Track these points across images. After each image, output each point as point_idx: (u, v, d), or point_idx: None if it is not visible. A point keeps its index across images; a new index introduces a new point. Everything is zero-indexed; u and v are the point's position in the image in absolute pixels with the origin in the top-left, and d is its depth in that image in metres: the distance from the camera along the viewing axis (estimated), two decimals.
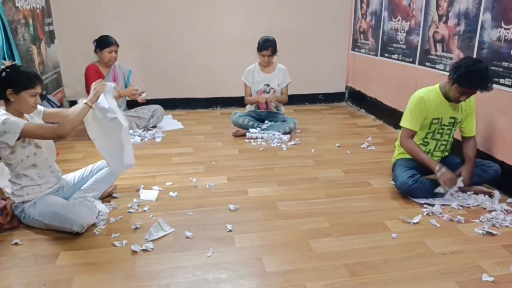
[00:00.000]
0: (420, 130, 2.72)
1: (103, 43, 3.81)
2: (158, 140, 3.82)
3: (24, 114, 2.27)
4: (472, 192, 2.64)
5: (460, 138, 2.84)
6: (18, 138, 2.11)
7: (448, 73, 2.57)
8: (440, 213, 2.44)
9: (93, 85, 2.39)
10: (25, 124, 2.10)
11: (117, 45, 3.87)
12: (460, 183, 2.54)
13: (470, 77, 2.43)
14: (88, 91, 3.89)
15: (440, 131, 2.73)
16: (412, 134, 2.70)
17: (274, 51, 3.84)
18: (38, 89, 2.17)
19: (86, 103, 2.31)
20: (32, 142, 2.21)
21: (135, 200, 2.60)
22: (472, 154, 2.68)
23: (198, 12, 4.73)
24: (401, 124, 2.73)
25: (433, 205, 2.52)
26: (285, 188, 2.82)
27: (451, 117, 2.69)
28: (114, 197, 2.65)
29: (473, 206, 2.53)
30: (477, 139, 2.87)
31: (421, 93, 2.68)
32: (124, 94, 3.93)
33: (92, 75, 3.84)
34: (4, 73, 2.11)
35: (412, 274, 1.91)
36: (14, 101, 2.14)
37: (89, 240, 2.17)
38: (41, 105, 2.37)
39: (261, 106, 4.03)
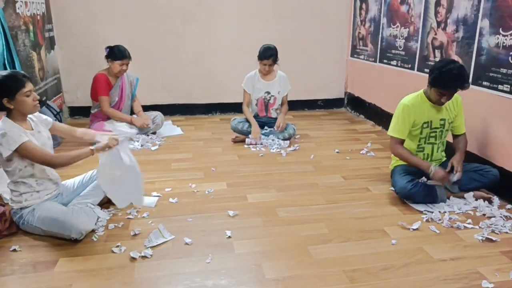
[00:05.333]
0: (413, 138, 2.77)
1: (117, 55, 3.80)
2: (155, 147, 3.81)
3: (28, 119, 2.27)
4: (472, 199, 2.64)
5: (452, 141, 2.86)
6: (15, 151, 2.11)
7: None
8: (440, 219, 2.44)
9: (109, 138, 2.33)
10: (23, 142, 2.10)
11: (130, 58, 3.86)
12: (453, 177, 2.58)
13: (443, 78, 2.48)
14: (95, 99, 3.90)
15: (433, 134, 2.75)
16: (401, 141, 2.73)
17: (275, 60, 3.84)
18: (29, 86, 2.16)
19: (91, 149, 2.28)
20: None
21: (134, 206, 2.60)
22: (462, 147, 2.76)
23: (198, 18, 4.74)
24: (389, 133, 2.78)
25: (432, 211, 2.52)
26: (284, 194, 2.82)
27: (441, 119, 2.72)
28: (113, 203, 2.64)
29: (472, 212, 2.53)
30: (476, 145, 2.90)
31: (406, 100, 2.72)
32: (136, 124, 3.93)
33: (102, 85, 3.84)
34: None
35: (411, 280, 1.90)
36: (14, 107, 2.15)
37: (88, 247, 2.16)
38: (43, 113, 2.38)
39: (260, 113, 4.04)
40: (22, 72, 2.25)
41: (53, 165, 2.22)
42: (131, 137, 2.47)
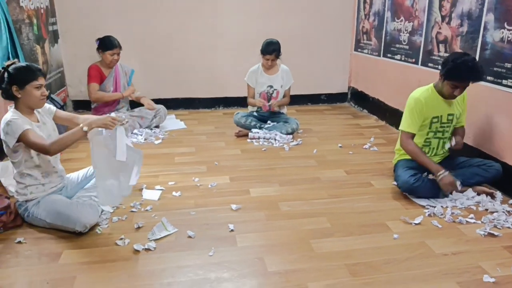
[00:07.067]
0: (420, 131, 2.74)
1: (106, 45, 3.83)
2: (159, 141, 3.82)
3: (35, 112, 2.29)
4: (475, 194, 2.64)
5: None
6: (18, 140, 2.13)
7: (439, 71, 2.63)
8: (442, 214, 2.44)
9: (106, 118, 2.27)
10: (25, 130, 2.11)
11: (120, 48, 3.89)
12: (459, 186, 2.55)
13: (458, 70, 2.47)
14: (89, 91, 3.92)
15: (441, 129, 2.74)
16: (412, 136, 2.71)
17: (277, 55, 3.84)
18: (41, 81, 2.20)
19: (81, 127, 2.21)
20: None
21: (137, 199, 2.62)
22: (461, 133, 2.80)
23: (201, 13, 4.74)
24: (401, 128, 2.73)
25: (435, 206, 2.52)
26: (287, 188, 2.83)
27: (449, 114, 2.71)
28: None
29: (474, 207, 2.54)
30: (479, 140, 2.90)
31: (417, 94, 2.69)
32: (127, 95, 3.99)
33: (93, 75, 3.87)
34: (6, 72, 2.14)
35: (413, 274, 1.91)
36: (22, 97, 2.17)
37: (92, 239, 2.18)
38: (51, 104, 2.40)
39: (263, 107, 4.03)
40: (39, 66, 2.29)
41: (49, 151, 2.16)
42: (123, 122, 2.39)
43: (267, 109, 4.01)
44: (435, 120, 2.70)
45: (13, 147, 2.17)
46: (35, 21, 3.78)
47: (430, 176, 2.72)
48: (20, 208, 2.30)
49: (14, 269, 1.94)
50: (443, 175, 2.53)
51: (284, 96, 4.05)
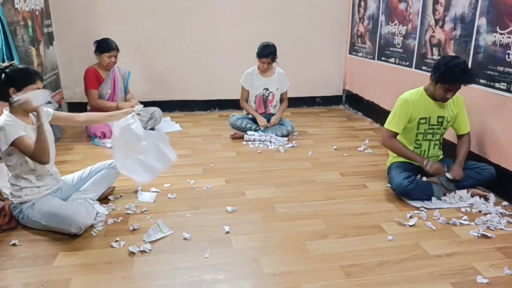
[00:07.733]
0: (409, 133, 2.78)
1: (103, 47, 3.82)
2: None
3: (30, 115, 2.28)
4: (469, 196, 2.66)
5: (454, 141, 2.88)
6: (12, 145, 2.13)
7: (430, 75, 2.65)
8: (436, 216, 2.46)
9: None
10: (18, 137, 2.11)
11: (118, 50, 3.88)
12: (445, 169, 2.68)
13: (451, 73, 2.50)
14: (86, 94, 3.92)
15: (430, 131, 2.77)
16: (395, 135, 2.76)
17: (274, 58, 3.85)
18: (38, 84, 2.21)
19: (38, 126, 2.14)
20: None
21: (133, 201, 2.61)
22: (463, 151, 2.77)
23: (197, 15, 4.75)
24: (385, 126, 2.80)
25: (429, 208, 2.54)
26: (282, 190, 2.84)
27: (439, 116, 2.74)
28: (113, 199, 2.66)
29: (468, 208, 2.56)
30: (472, 142, 2.90)
31: (405, 96, 2.74)
32: (122, 107, 3.86)
33: (90, 78, 3.86)
34: (3, 74, 2.13)
35: (407, 275, 1.93)
36: None
37: (87, 241, 2.18)
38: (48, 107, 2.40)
39: (258, 110, 4.05)
40: (36, 70, 2.29)
41: (40, 162, 2.16)
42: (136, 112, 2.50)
43: (263, 111, 4.02)
44: (422, 121, 2.73)
45: (7, 151, 2.17)
46: (30, 23, 3.76)
47: (424, 178, 2.74)
48: (14, 210, 2.29)
49: (9, 271, 1.94)
50: (430, 164, 2.65)
51: (282, 100, 4.08)
